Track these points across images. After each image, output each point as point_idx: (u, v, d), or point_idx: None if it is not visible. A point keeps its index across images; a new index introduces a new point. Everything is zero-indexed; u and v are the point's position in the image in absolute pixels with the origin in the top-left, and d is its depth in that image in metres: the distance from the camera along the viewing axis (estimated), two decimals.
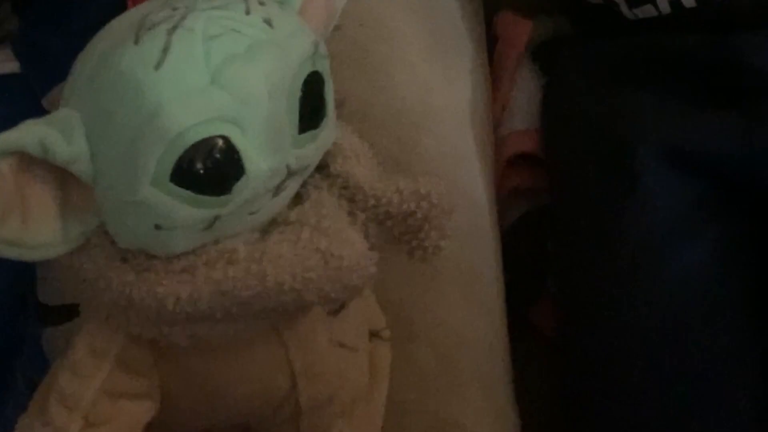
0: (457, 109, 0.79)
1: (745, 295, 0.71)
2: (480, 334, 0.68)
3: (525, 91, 0.91)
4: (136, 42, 0.46)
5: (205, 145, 0.45)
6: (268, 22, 0.48)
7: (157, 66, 0.45)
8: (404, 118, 0.73)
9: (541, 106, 0.89)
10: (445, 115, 0.76)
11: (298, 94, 0.48)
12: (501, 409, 0.68)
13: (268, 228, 0.50)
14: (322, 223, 0.50)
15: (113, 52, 0.46)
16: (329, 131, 0.52)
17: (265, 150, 0.47)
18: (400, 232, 0.54)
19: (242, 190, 0.46)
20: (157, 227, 0.46)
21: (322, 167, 0.53)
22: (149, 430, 0.54)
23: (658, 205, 0.73)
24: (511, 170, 0.87)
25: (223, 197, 0.46)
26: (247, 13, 0.48)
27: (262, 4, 0.49)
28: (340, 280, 0.49)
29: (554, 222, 0.84)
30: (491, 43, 0.95)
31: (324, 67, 0.51)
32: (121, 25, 0.48)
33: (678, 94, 0.77)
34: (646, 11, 0.79)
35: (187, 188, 0.45)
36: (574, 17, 0.94)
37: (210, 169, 0.45)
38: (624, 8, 0.80)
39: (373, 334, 0.61)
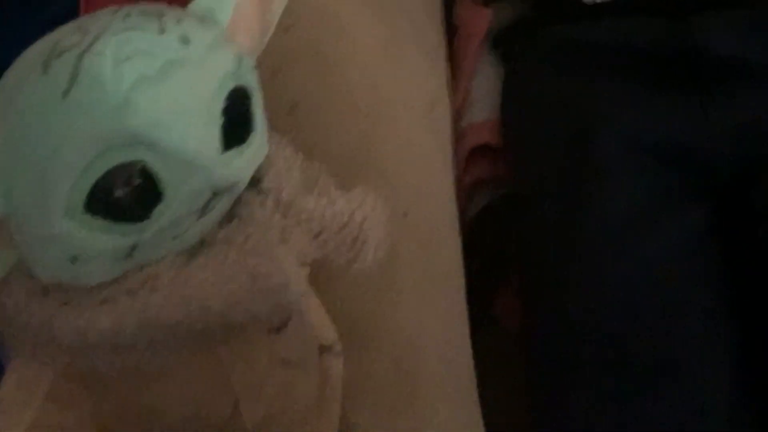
0: (414, 104, 0.77)
1: (710, 281, 0.70)
2: (440, 341, 0.66)
3: (485, 82, 0.90)
4: (45, 71, 0.45)
5: (118, 172, 0.44)
6: (184, 39, 0.47)
7: (65, 94, 0.44)
8: (359, 117, 0.72)
9: (501, 94, 0.88)
10: (401, 112, 0.75)
11: (219, 111, 0.47)
12: (465, 420, 0.67)
13: (196, 249, 0.49)
14: (249, 242, 0.49)
15: (22, 84, 0.46)
16: (259, 146, 0.51)
17: (185, 172, 0.46)
18: (336, 244, 0.53)
19: (161, 214, 0.46)
20: (74, 259, 0.45)
21: (255, 181, 0.52)
22: None
23: (621, 193, 0.72)
24: (472, 162, 0.86)
25: (141, 224, 0.45)
26: (162, 32, 0.47)
27: (179, 21, 0.48)
28: (269, 300, 0.48)
29: (517, 211, 0.83)
30: (452, 32, 0.94)
31: (251, 81, 0.50)
32: (32, 54, 0.47)
33: (637, 80, 0.76)
34: None
35: (103, 217, 0.44)
36: (534, 2, 0.92)
37: (125, 196, 0.44)
38: None
39: (324, 349, 0.60)
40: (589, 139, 0.74)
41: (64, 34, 0.47)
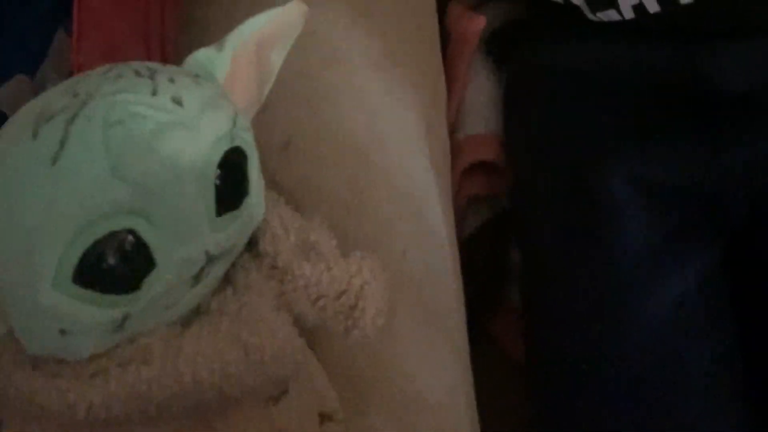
0: (407, 132, 0.76)
1: (720, 323, 0.70)
2: (440, 389, 0.65)
3: (480, 92, 0.90)
4: (34, 136, 0.44)
5: (108, 241, 0.43)
6: (178, 101, 0.46)
7: (54, 160, 0.43)
8: (352, 152, 0.70)
9: (503, 112, 0.87)
10: (393, 143, 0.73)
11: (213, 175, 0.46)
12: None
13: (189, 319, 0.48)
14: (243, 312, 0.48)
15: (11, 149, 0.44)
16: (254, 209, 0.50)
17: (177, 239, 0.45)
18: (334, 311, 0.53)
19: (153, 284, 0.44)
20: (63, 332, 0.44)
21: (252, 244, 0.52)
22: None
23: (630, 233, 0.71)
24: (468, 178, 0.86)
25: (132, 294, 0.44)
26: (154, 93, 0.45)
27: (172, 81, 0.46)
28: (264, 372, 0.47)
29: (518, 233, 0.82)
30: (445, 38, 0.93)
31: (246, 141, 0.49)
32: (21, 117, 0.46)
33: (642, 112, 0.75)
34: (610, 15, 0.77)
35: (92, 288, 0.43)
36: (531, 9, 0.91)
37: (116, 266, 0.43)
38: (586, 11, 0.78)
39: (325, 417, 0.59)
40: (594, 172, 0.73)
41: (55, 97, 0.45)
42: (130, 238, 0.43)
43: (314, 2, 0.76)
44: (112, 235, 0.43)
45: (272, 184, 0.66)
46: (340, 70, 0.74)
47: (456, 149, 0.86)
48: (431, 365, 0.66)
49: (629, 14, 0.75)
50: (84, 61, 0.82)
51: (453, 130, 0.89)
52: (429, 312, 0.67)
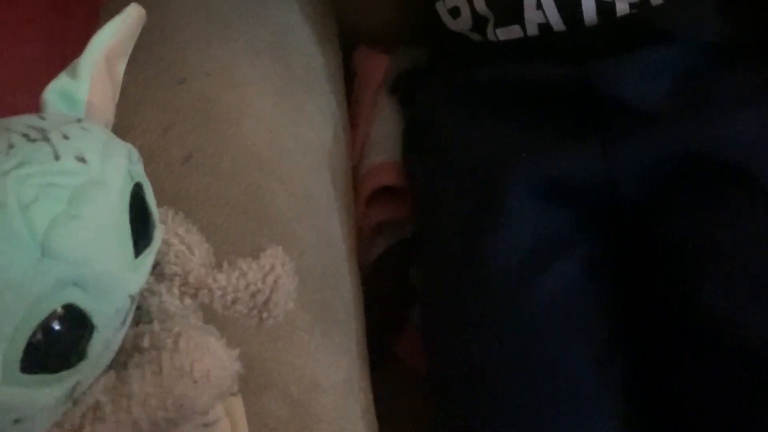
0: (308, 151, 0.78)
1: (605, 313, 0.73)
2: (335, 377, 0.67)
3: (383, 126, 0.92)
4: None
5: (49, 323, 0.41)
6: (81, 158, 0.43)
7: None
8: (253, 166, 0.72)
9: (402, 140, 0.90)
10: (295, 159, 0.76)
11: (127, 220, 0.44)
12: None
13: (120, 359, 0.47)
14: (180, 343, 0.47)
15: None
16: (159, 236, 0.49)
17: (108, 295, 0.43)
18: (249, 308, 0.54)
19: (95, 346, 0.43)
20: (17, 421, 0.43)
21: (154, 267, 0.51)
22: None
23: (518, 234, 0.74)
24: (373, 206, 0.88)
25: (80, 363, 0.43)
26: (57, 158, 0.42)
27: (66, 137, 0.43)
28: (213, 391, 0.47)
29: (420, 253, 0.84)
30: (351, 79, 0.96)
31: (140, 173, 0.47)
32: None
33: (539, 123, 0.78)
34: (511, 32, 0.80)
35: (43, 372, 0.41)
36: (432, 49, 0.95)
37: (61, 343, 0.41)
38: (489, 28, 0.81)
39: None
40: (494, 184, 0.76)
41: None
42: (70, 311, 0.41)
43: (217, 32, 0.80)
44: (52, 315, 0.40)
45: (173, 197, 0.68)
46: (242, 93, 0.77)
47: (360, 180, 0.89)
48: (326, 353, 0.67)
49: (533, 31, 0.79)
50: None
51: (358, 163, 0.91)
52: (326, 306, 0.70)
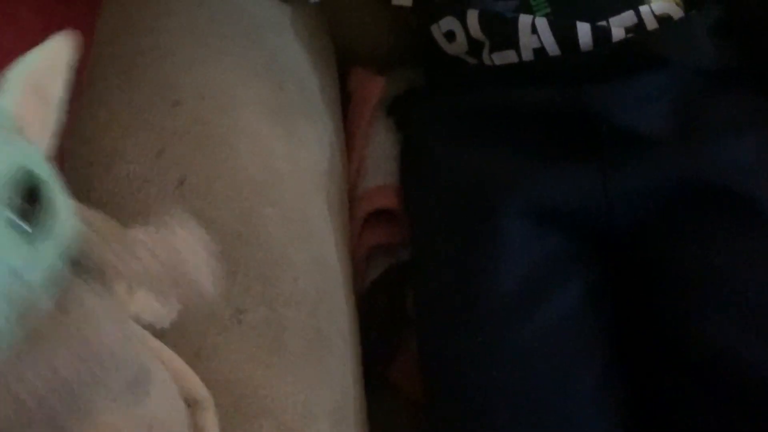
0: (304, 174, 0.78)
1: (602, 339, 0.72)
2: (329, 404, 0.67)
3: (379, 148, 0.92)
4: None
5: None
6: None
7: None
8: (246, 189, 0.72)
9: (399, 164, 0.90)
10: (290, 182, 0.75)
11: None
12: None
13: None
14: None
15: None
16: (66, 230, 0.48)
17: None
18: (178, 293, 0.51)
19: None
20: None
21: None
22: None
23: (515, 262, 0.73)
24: (369, 229, 0.88)
25: None
26: None
27: None
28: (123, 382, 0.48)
29: (415, 279, 0.84)
30: (347, 100, 0.96)
31: (41, 168, 0.46)
32: None
33: (534, 149, 0.78)
34: (507, 57, 0.80)
35: None
36: (427, 71, 0.95)
37: None
38: (485, 52, 0.81)
39: (192, 403, 0.59)
40: (489, 211, 0.76)
41: None
42: None
43: (211, 55, 0.79)
44: None
45: None
46: (236, 116, 0.76)
47: (356, 202, 0.89)
48: (319, 379, 0.67)
49: (528, 56, 0.79)
50: None
51: (354, 186, 0.91)
52: (321, 332, 0.69)
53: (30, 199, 0.44)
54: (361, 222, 0.87)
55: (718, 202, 0.72)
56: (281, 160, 0.76)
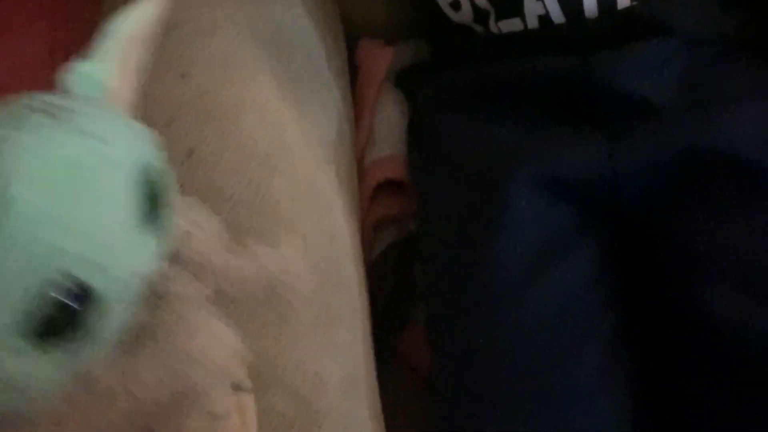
0: (312, 146, 0.78)
1: (610, 310, 0.72)
2: (339, 374, 0.67)
3: (387, 119, 0.92)
4: None
5: (48, 290, 0.41)
6: (95, 136, 0.44)
7: None
8: (255, 160, 0.72)
9: (406, 137, 0.90)
10: (298, 153, 0.75)
11: (131, 198, 0.45)
12: None
13: (126, 341, 0.47)
14: (180, 323, 0.47)
15: None
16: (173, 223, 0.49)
17: (110, 269, 0.44)
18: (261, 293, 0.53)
19: (100, 321, 0.44)
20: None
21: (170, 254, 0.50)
22: None
23: (521, 233, 0.74)
24: (377, 200, 0.88)
25: (83, 336, 0.43)
26: (73, 133, 0.43)
27: (82, 116, 0.44)
28: (212, 369, 0.47)
29: (422, 251, 0.84)
30: (355, 72, 0.96)
31: (155, 158, 0.48)
32: None
33: (541, 120, 0.78)
34: (512, 25, 0.80)
35: (46, 341, 0.42)
36: (434, 42, 0.94)
37: (63, 314, 0.42)
38: (491, 21, 0.80)
39: (236, 387, 0.60)
40: (497, 181, 0.76)
41: None
42: (70, 280, 0.41)
43: (219, 27, 0.79)
44: (52, 282, 0.41)
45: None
46: (244, 87, 0.76)
47: (364, 173, 0.89)
48: (331, 350, 0.67)
49: (533, 24, 0.79)
50: None
51: (362, 156, 0.91)
52: (331, 307, 0.69)
53: (148, 196, 0.45)
54: (369, 193, 0.87)
55: (725, 171, 0.72)
56: (290, 132, 0.76)
